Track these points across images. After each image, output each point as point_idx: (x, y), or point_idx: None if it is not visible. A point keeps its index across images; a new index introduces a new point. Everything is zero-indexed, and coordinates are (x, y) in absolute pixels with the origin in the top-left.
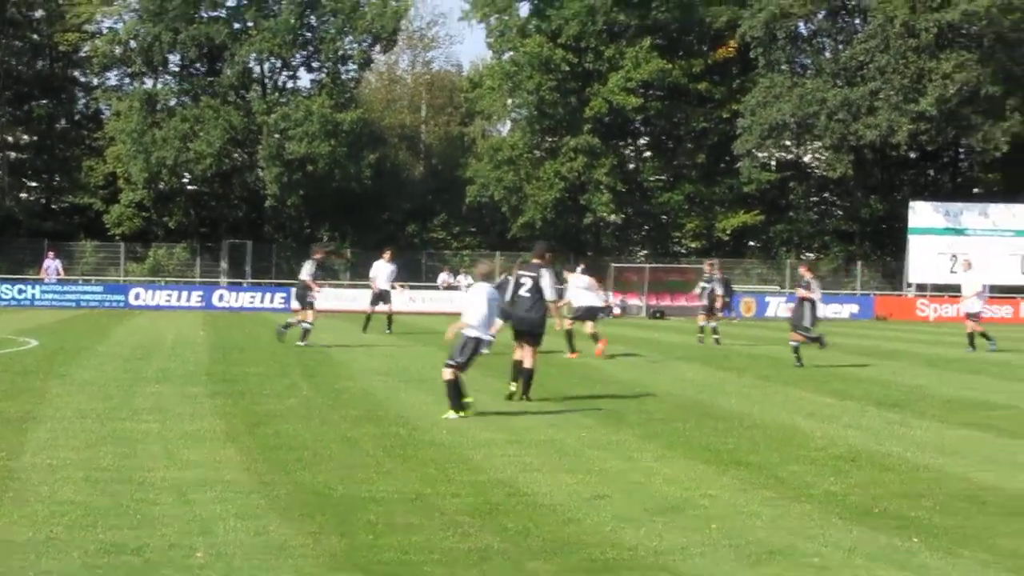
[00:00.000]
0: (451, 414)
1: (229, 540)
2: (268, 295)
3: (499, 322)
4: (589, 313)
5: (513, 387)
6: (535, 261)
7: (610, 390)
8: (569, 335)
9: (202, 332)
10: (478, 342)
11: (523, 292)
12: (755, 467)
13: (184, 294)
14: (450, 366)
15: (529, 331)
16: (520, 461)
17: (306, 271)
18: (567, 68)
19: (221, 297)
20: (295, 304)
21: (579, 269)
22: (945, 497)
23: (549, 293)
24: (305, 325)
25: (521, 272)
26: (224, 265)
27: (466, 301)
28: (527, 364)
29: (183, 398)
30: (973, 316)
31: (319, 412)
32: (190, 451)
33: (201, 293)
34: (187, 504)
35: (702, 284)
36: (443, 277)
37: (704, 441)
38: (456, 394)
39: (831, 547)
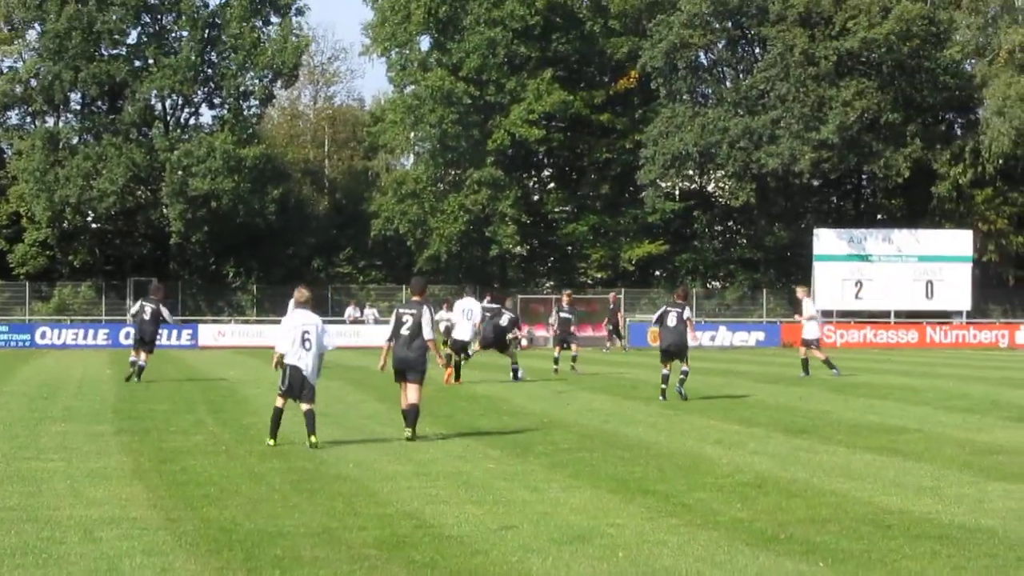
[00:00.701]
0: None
1: None
2: (175, 332)
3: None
4: (456, 345)
5: (408, 433)
6: (415, 298)
7: (517, 421)
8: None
9: (108, 370)
10: (287, 369)
11: (403, 331)
12: (662, 495)
13: (90, 332)
14: (279, 394)
15: (410, 369)
16: (427, 493)
17: (168, 314)
18: (469, 101)
19: (128, 335)
20: (140, 346)
21: (486, 300)
22: (851, 522)
23: (428, 332)
24: (143, 363)
25: (402, 310)
26: (130, 303)
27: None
28: (412, 400)
29: (89, 436)
30: (809, 343)
31: (226, 447)
32: (96, 489)
33: (107, 331)
34: (94, 542)
35: (562, 314)
36: (349, 311)
37: (610, 470)
38: (274, 422)
39: (738, 574)
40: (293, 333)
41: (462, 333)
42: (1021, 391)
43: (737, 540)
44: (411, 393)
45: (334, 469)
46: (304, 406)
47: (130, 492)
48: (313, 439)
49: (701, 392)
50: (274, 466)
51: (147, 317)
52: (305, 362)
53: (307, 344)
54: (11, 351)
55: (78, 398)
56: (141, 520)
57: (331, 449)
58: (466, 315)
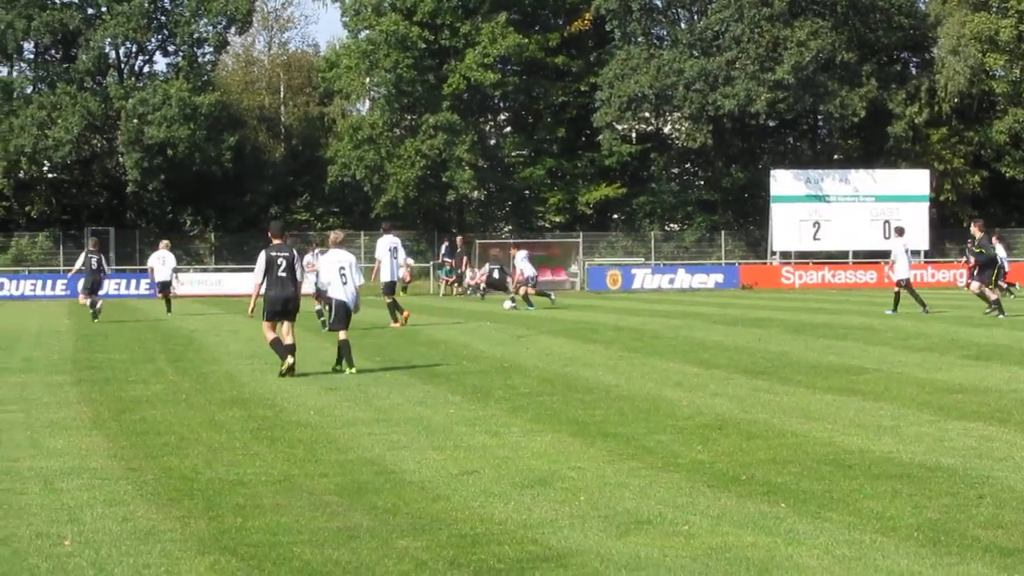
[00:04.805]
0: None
1: (97, 527)
2: (133, 281)
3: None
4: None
5: (291, 361)
6: (276, 241)
7: (477, 366)
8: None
9: (67, 320)
10: (333, 303)
11: (280, 272)
12: (623, 438)
13: (48, 283)
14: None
15: (291, 309)
16: (387, 439)
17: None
18: (424, 45)
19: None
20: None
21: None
22: (811, 462)
23: (299, 273)
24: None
25: (273, 253)
26: None
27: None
28: (291, 340)
29: (48, 387)
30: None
31: (185, 396)
32: (56, 439)
33: (65, 282)
34: (54, 493)
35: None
36: (308, 259)
37: (571, 414)
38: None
39: (699, 515)
40: (332, 270)
41: (385, 274)
42: (979, 329)
43: (698, 482)
44: (289, 332)
45: (294, 416)
46: (342, 335)
47: (90, 442)
48: (352, 369)
49: (660, 335)
50: (234, 414)
51: (94, 267)
52: (348, 295)
53: (343, 279)
54: None
55: (36, 348)
56: (101, 470)
57: (291, 396)
58: (392, 254)
